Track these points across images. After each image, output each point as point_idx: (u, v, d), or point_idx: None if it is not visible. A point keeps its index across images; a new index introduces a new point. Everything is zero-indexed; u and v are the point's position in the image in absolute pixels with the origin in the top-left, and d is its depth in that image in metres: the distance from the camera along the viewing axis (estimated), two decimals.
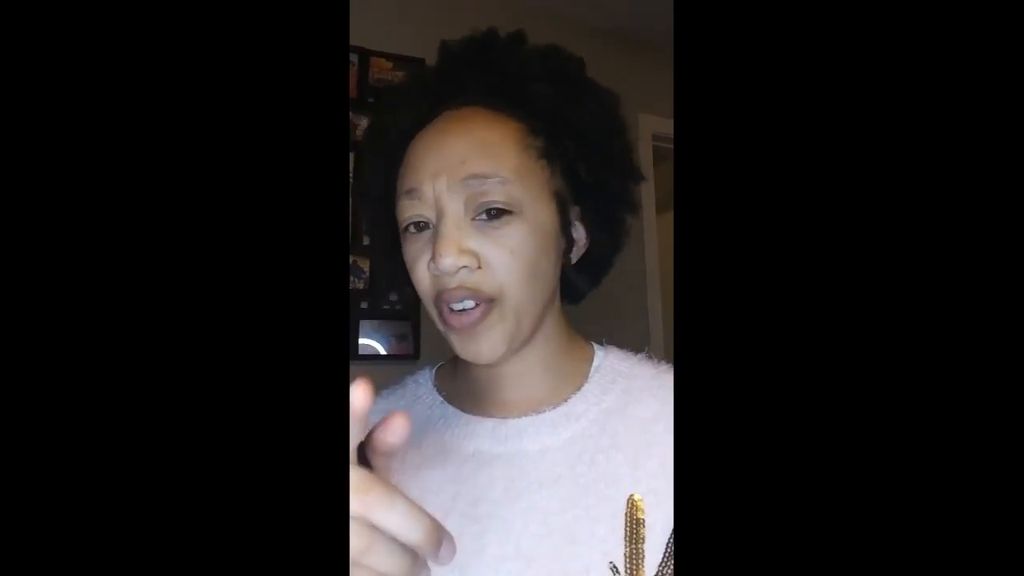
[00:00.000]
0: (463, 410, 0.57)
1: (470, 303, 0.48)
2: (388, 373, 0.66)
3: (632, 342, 0.62)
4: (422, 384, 0.61)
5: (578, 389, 0.56)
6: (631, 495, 0.49)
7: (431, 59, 0.57)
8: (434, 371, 0.63)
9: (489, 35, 0.55)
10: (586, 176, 0.54)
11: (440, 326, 0.51)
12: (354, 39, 1.77)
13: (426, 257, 0.49)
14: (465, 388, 0.58)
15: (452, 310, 0.49)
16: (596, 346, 0.61)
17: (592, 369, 0.58)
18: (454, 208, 0.49)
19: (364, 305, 1.72)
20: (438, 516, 0.49)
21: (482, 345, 0.49)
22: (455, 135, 0.51)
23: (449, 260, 0.47)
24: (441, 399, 0.59)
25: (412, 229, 0.51)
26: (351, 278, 1.72)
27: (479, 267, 0.48)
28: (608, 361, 0.59)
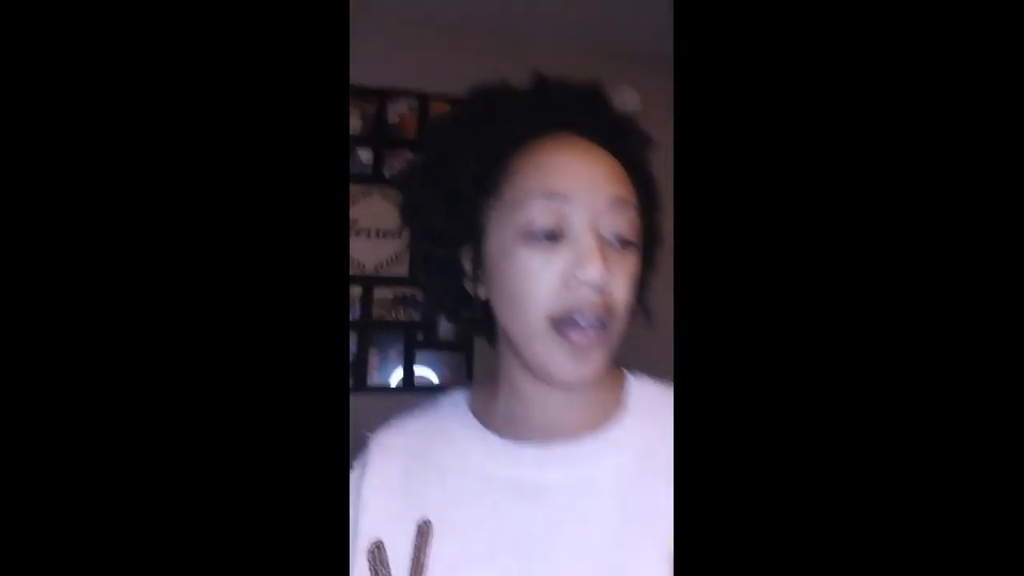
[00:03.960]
0: (503, 437, 0.55)
1: (597, 323, 0.49)
2: None
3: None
4: (459, 406, 0.60)
5: (616, 417, 0.56)
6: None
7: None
8: (468, 393, 0.62)
9: (592, 87, 0.58)
10: (648, 220, 0.56)
11: (540, 347, 0.50)
12: (412, 83, 1.86)
13: (556, 268, 0.49)
14: (505, 412, 0.57)
15: (579, 326, 0.48)
16: (626, 372, 0.61)
17: (627, 396, 0.58)
18: (598, 224, 0.49)
19: (420, 337, 1.77)
20: (482, 551, 0.50)
21: (588, 367, 0.49)
22: (592, 154, 0.52)
23: (602, 272, 0.47)
24: (479, 424, 0.57)
25: (542, 238, 0.49)
26: (407, 309, 1.78)
27: (610, 289, 0.49)
28: (643, 390, 0.58)
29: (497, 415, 0.57)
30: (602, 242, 0.49)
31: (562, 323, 0.49)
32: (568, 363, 0.49)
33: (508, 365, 0.56)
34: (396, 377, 1.75)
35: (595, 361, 0.50)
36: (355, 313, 1.73)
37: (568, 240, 0.49)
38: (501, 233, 0.51)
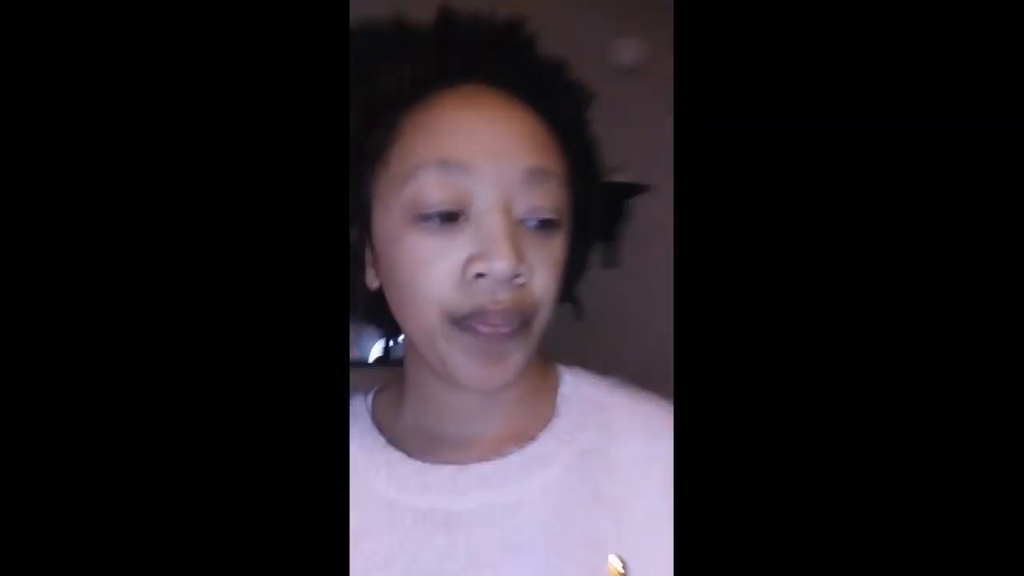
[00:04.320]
0: (411, 455, 0.46)
1: (508, 323, 0.40)
2: None
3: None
4: (359, 418, 0.50)
5: (546, 424, 0.46)
6: (614, 557, 0.41)
7: None
8: (371, 399, 0.51)
9: (510, 24, 0.45)
10: (580, 192, 0.45)
11: (440, 347, 0.41)
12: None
13: (454, 258, 0.39)
14: (413, 424, 0.48)
15: (485, 325, 0.39)
16: (562, 368, 0.50)
17: (559, 398, 0.48)
18: (510, 202, 0.40)
19: None
20: None
21: (499, 371, 0.41)
22: (505, 111, 0.41)
23: (511, 264, 0.38)
24: (384, 440, 0.48)
25: (436, 219, 0.39)
26: None
27: (524, 282, 0.40)
28: (579, 388, 0.48)
29: (405, 427, 0.48)
30: (515, 224, 0.40)
31: (464, 321, 0.40)
32: (474, 366, 0.40)
33: (413, 365, 0.47)
34: (376, 351, 1.67)
35: (508, 364, 0.41)
36: None
37: (470, 222, 0.39)
38: (388, 211, 0.41)
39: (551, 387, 0.49)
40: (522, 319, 0.40)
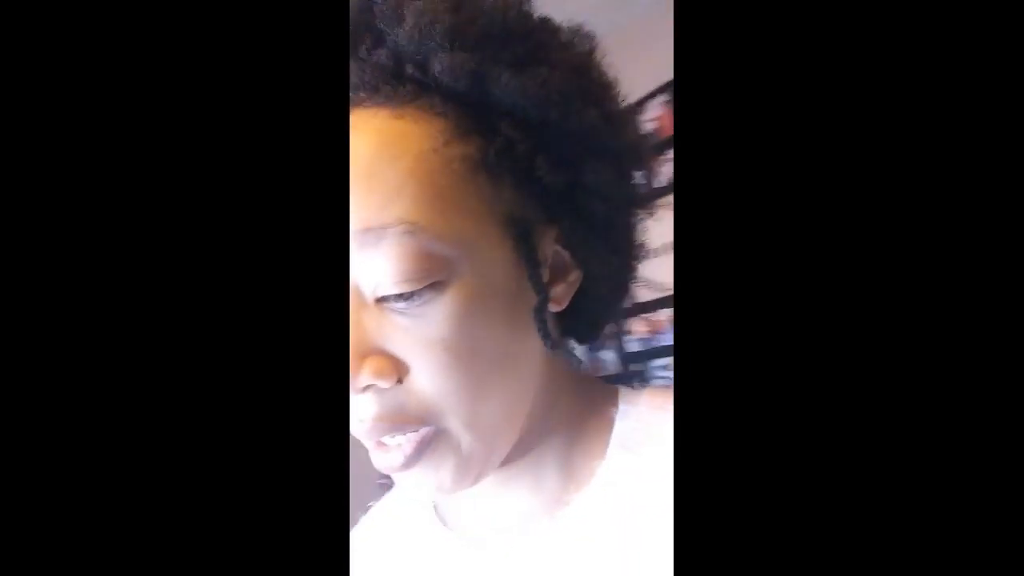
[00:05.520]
0: (450, 526, 0.41)
1: (399, 436, 0.32)
2: None
3: None
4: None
5: (589, 479, 0.36)
6: None
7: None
8: None
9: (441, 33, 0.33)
10: (552, 177, 0.33)
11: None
12: None
13: None
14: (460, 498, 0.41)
15: (381, 443, 0.33)
16: (623, 393, 0.39)
17: (612, 439, 0.37)
18: (358, 282, 0.31)
19: None
20: None
21: (426, 486, 0.34)
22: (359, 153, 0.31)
23: (357, 382, 0.31)
24: (438, 520, 0.42)
25: None
26: None
27: (399, 380, 0.31)
28: (643, 422, 0.37)
29: (459, 500, 0.41)
30: (362, 312, 0.31)
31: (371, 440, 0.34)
32: (404, 484, 0.35)
33: None
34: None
35: (432, 481, 0.33)
36: None
37: None
38: None
39: (602, 424, 0.37)
40: (413, 428, 0.32)
